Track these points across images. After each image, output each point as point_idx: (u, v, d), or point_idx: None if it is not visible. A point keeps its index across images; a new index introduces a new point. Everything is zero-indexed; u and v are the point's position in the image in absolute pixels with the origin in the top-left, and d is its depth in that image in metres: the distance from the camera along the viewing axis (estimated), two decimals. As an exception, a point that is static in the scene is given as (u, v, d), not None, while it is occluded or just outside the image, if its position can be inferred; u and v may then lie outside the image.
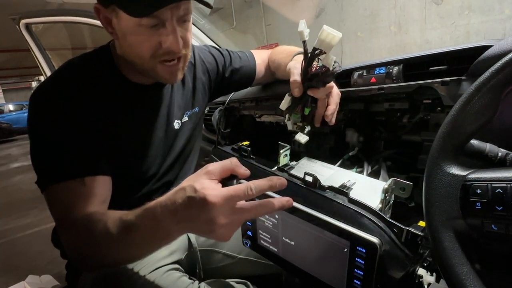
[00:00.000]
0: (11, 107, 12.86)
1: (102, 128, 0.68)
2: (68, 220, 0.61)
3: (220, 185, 0.45)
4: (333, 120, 0.71)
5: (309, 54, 0.64)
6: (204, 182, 0.43)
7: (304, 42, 0.64)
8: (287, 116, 0.73)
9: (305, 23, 0.62)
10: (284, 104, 0.72)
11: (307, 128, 0.73)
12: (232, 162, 0.47)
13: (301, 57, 0.70)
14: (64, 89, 0.66)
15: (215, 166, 0.46)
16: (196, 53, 0.93)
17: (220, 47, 1.04)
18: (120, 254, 0.54)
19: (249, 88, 1.09)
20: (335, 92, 0.72)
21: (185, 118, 0.87)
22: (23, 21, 1.81)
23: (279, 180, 0.46)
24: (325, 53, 0.62)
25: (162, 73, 0.68)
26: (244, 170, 0.48)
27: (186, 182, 0.45)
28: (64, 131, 0.64)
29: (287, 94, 0.72)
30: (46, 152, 0.65)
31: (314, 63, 0.66)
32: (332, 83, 0.69)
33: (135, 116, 0.75)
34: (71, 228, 0.60)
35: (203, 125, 1.32)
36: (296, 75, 0.69)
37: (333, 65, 0.64)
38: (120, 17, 0.62)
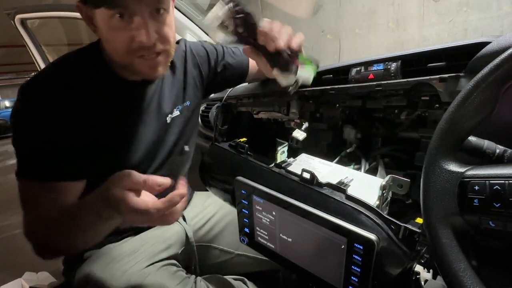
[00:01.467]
0: (7, 103, 12.73)
1: (89, 126, 0.67)
2: (31, 209, 0.65)
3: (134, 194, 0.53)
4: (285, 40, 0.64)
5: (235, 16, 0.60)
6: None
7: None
8: (278, 74, 0.68)
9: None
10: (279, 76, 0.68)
11: (305, 125, 0.73)
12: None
13: None
14: (51, 88, 0.65)
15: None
16: (187, 46, 0.92)
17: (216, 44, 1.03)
18: (70, 233, 0.61)
19: (246, 84, 1.08)
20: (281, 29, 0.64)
21: (176, 112, 0.85)
22: (18, 16, 1.78)
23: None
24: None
25: (141, 68, 0.67)
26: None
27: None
28: (44, 134, 0.64)
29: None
30: (23, 148, 0.65)
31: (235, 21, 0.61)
32: (267, 24, 0.62)
33: (125, 112, 0.74)
34: (32, 216, 0.65)
35: (200, 121, 1.31)
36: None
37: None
38: (94, 13, 0.62)
